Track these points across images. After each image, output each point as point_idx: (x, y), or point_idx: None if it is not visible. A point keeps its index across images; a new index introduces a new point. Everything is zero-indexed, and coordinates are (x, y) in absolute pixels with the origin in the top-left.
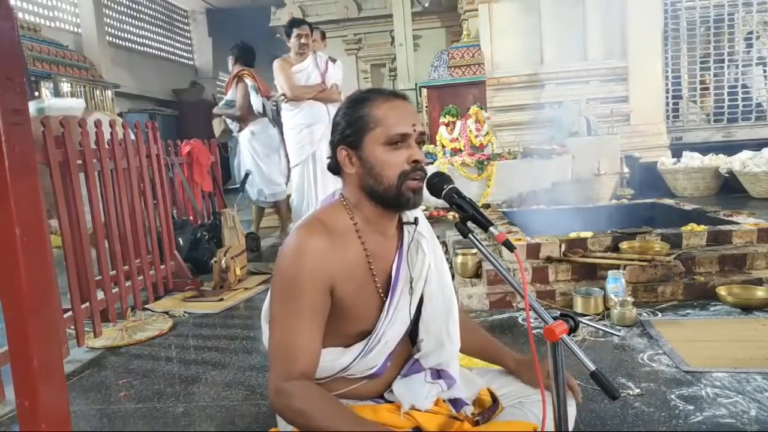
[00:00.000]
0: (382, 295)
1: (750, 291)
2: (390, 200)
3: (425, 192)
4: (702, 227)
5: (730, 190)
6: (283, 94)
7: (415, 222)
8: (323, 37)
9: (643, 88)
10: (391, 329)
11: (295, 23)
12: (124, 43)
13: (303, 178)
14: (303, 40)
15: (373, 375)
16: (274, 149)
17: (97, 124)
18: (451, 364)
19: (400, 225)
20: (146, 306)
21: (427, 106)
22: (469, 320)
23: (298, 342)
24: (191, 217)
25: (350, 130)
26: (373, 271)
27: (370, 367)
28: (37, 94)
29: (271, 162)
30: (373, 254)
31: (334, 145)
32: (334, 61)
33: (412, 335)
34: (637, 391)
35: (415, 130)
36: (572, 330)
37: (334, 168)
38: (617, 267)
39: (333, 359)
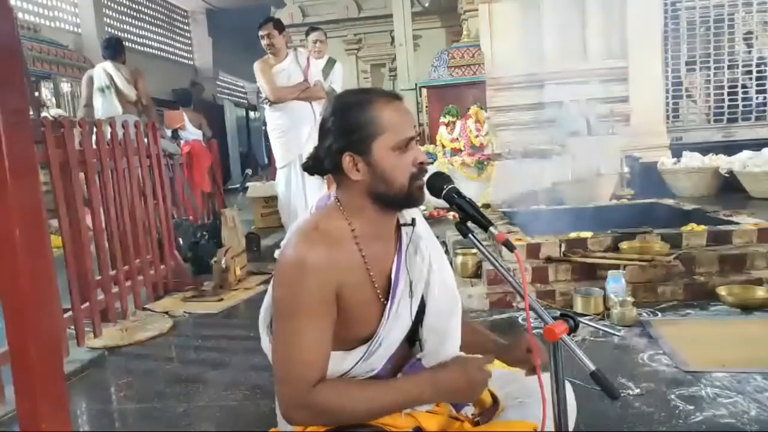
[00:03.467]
0: (382, 299)
1: (750, 291)
2: (400, 201)
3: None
4: (702, 227)
5: (730, 190)
6: (266, 97)
7: (413, 223)
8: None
9: (643, 88)
10: (392, 333)
11: (260, 24)
12: (124, 43)
13: (290, 181)
14: (266, 41)
15: (374, 378)
16: None
17: (98, 124)
18: None
19: (398, 227)
20: (146, 306)
21: (427, 106)
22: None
23: (311, 354)
24: (191, 217)
25: (356, 135)
26: (372, 276)
27: (371, 369)
28: (37, 94)
29: None
30: (371, 259)
31: (334, 152)
32: (334, 62)
33: (411, 337)
34: (637, 391)
35: (415, 131)
36: (572, 330)
37: (319, 171)
38: (617, 267)
39: (335, 363)
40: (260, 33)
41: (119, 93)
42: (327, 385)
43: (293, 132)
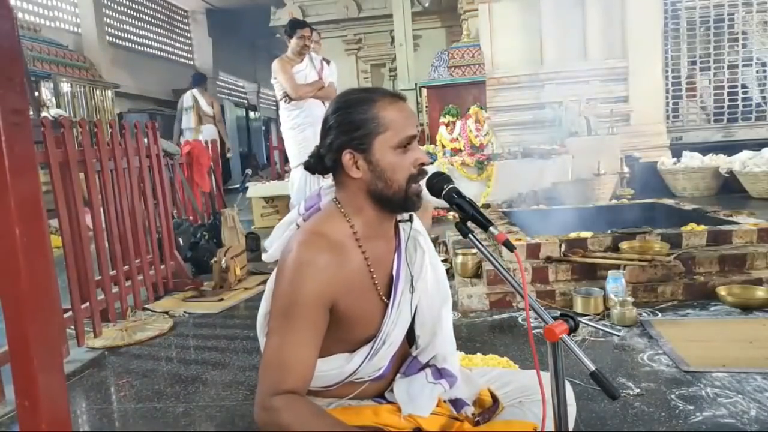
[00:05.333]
0: (384, 298)
1: (750, 291)
2: (397, 204)
3: (425, 192)
4: (702, 227)
5: (730, 190)
6: (286, 95)
7: (411, 219)
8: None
9: (643, 88)
10: (395, 330)
11: (298, 24)
12: (124, 43)
13: (305, 179)
14: (306, 42)
15: (379, 377)
16: None
17: (98, 124)
18: (448, 358)
19: (395, 224)
20: (146, 306)
21: (427, 106)
22: None
23: (292, 359)
24: (191, 217)
25: (358, 133)
26: (374, 278)
27: (377, 368)
28: (37, 94)
29: None
30: (373, 260)
31: (335, 149)
32: (328, 62)
33: (408, 333)
34: (637, 391)
35: (416, 131)
36: (572, 330)
37: (321, 169)
38: (617, 267)
39: (341, 365)
40: (300, 33)
41: (199, 111)
42: (289, 398)
43: (311, 129)
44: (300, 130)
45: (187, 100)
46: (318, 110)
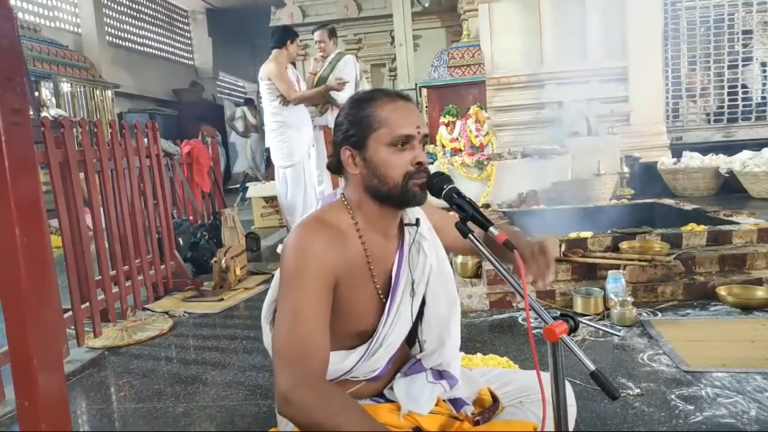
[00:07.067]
0: (381, 296)
1: (750, 291)
2: (396, 198)
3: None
4: (702, 227)
5: (730, 190)
6: (282, 98)
7: (417, 223)
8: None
9: (643, 88)
10: (393, 332)
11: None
12: (124, 43)
13: (303, 176)
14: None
15: (375, 378)
16: None
17: (98, 124)
18: (452, 362)
19: (401, 226)
20: (146, 306)
21: (427, 106)
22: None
23: (308, 340)
24: (191, 217)
25: (354, 130)
26: (372, 272)
27: (373, 369)
28: (37, 94)
29: None
30: (373, 255)
31: (337, 145)
32: (341, 56)
33: (410, 337)
34: (637, 391)
35: (419, 132)
36: (572, 330)
37: (335, 167)
38: (617, 267)
39: (336, 362)
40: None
41: (247, 121)
42: (318, 392)
43: (306, 129)
44: (297, 131)
45: (239, 112)
46: (307, 113)
